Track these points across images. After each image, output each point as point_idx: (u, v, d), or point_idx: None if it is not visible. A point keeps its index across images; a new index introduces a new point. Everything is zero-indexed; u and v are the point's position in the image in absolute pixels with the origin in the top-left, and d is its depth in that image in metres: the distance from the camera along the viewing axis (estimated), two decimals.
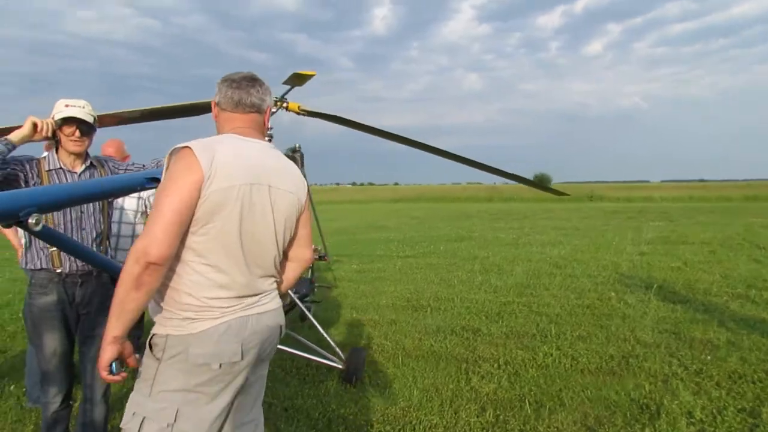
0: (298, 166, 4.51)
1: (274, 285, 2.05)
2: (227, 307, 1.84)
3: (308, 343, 4.57)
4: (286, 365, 4.61)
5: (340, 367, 4.29)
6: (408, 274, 9.29)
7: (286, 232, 2.01)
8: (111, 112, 3.96)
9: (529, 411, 3.72)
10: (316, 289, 6.15)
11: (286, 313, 4.64)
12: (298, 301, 4.89)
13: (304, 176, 5.30)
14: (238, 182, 1.81)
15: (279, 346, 4.42)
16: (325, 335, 4.41)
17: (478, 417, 3.63)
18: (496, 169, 5.55)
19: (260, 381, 2.10)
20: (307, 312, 4.87)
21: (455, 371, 4.46)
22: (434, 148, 5.33)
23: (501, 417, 3.64)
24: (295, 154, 4.71)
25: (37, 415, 3.59)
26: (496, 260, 10.59)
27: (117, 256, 4.41)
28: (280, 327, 2.06)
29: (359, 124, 5.04)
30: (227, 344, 1.84)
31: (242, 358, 1.87)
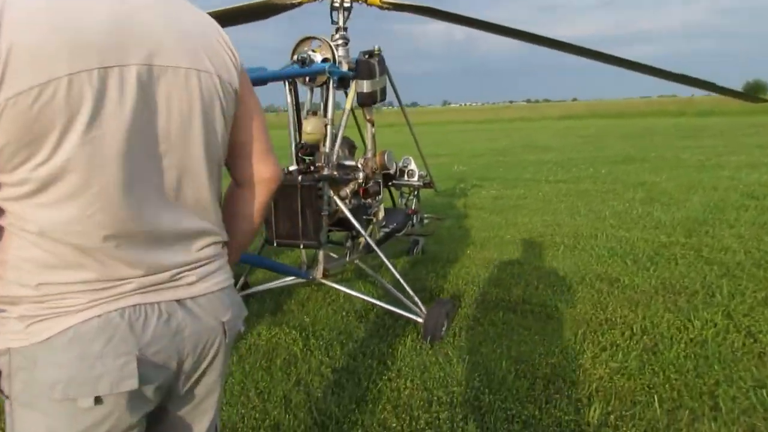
0: (374, 74, 3.63)
1: (210, 245, 1.23)
2: (102, 289, 1.06)
3: (387, 286, 3.87)
4: (359, 309, 3.99)
5: (420, 320, 3.53)
6: (551, 202, 7.98)
7: (210, 146, 1.18)
8: None
9: (658, 413, 2.61)
10: (424, 220, 5.36)
11: (371, 250, 4.05)
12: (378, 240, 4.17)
13: (394, 91, 4.44)
14: (68, 70, 0.95)
15: (349, 291, 3.85)
16: (401, 280, 3.65)
17: (576, 413, 2.64)
18: (689, 77, 4.17)
19: (206, 403, 1.28)
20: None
21: (567, 338, 3.42)
22: (607, 55, 4.05)
23: (612, 417, 2.60)
24: (371, 60, 3.82)
25: None
26: (668, 187, 8.64)
27: None
28: (223, 324, 1.23)
29: (469, 18, 3.92)
30: (104, 359, 1.04)
31: (143, 384, 1.07)
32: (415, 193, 5.20)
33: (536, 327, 3.63)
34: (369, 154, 3.90)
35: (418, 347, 3.40)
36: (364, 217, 4.13)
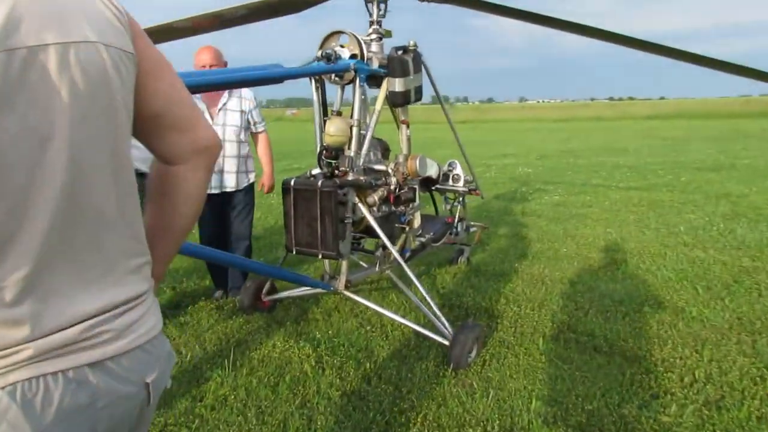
0: (408, 72, 3.32)
1: (134, 272, 0.99)
2: None
3: (417, 302, 3.55)
4: (387, 323, 3.69)
5: (446, 343, 3.20)
6: (619, 212, 7.32)
7: (118, 134, 0.94)
8: (210, 12, 3.28)
9: None
10: (470, 228, 4.98)
11: (406, 260, 3.74)
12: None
13: (434, 89, 4.10)
14: None
15: (371, 305, 3.56)
16: (428, 298, 3.32)
17: None
18: None
19: None
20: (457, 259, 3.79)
21: (613, 378, 2.97)
22: (682, 52, 3.56)
23: None
24: (404, 56, 3.50)
25: None
26: (757, 200, 7.71)
27: (224, 179, 3.95)
28: (148, 386, 0.99)
29: (515, 10, 3.51)
30: None
31: None
32: (461, 199, 4.83)
33: (578, 361, 3.19)
34: (401, 159, 3.59)
35: (440, 374, 3.07)
36: (397, 225, 3.83)
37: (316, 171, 3.46)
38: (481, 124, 40.09)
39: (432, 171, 4.54)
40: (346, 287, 3.48)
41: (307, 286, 3.56)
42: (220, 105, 3.91)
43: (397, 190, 3.63)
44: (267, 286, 3.96)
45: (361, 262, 4.13)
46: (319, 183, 3.19)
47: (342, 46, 3.36)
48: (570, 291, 4.36)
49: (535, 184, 10.02)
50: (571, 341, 3.46)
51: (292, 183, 3.32)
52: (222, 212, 4.08)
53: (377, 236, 3.69)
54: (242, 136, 3.96)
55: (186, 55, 3.83)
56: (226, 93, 3.91)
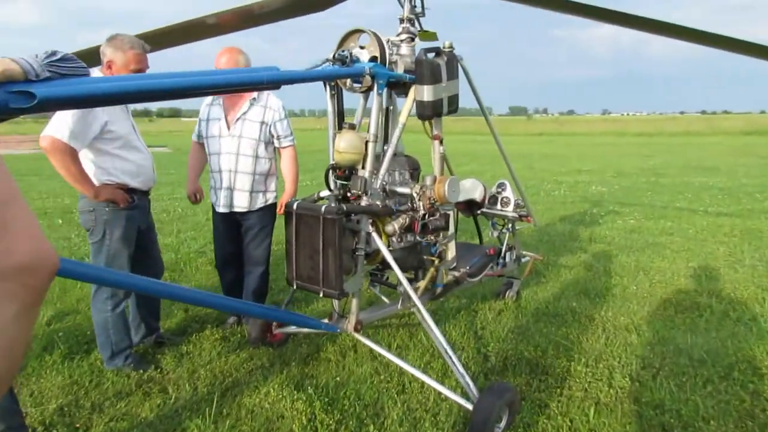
0: (439, 78, 2.80)
1: None
2: None
3: (443, 348, 2.97)
4: (405, 374, 3.13)
5: (469, 408, 2.61)
6: (705, 242, 6.34)
7: None
8: (238, 6, 2.94)
9: None
10: (521, 258, 4.34)
11: (438, 296, 3.07)
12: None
13: (476, 99, 3.51)
14: None
15: (384, 352, 3.01)
16: (449, 352, 2.74)
17: None
18: None
19: None
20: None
21: None
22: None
23: None
24: (435, 60, 2.96)
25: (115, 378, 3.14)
26: None
27: (234, 197, 3.57)
28: None
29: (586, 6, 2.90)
30: None
31: None
32: (510, 225, 4.20)
33: None
34: (428, 181, 3.03)
35: None
36: (426, 257, 3.29)
37: (324, 193, 2.99)
38: (558, 137, 38.39)
39: (475, 193, 3.97)
40: (357, 329, 2.97)
41: (308, 327, 3.08)
42: (239, 113, 3.53)
43: (425, 217, 3.09)
44: None
45: (384, 297, 3.60)
46: (323, 209, 2.71)
47: (362, 47, 2.88)
48: (637, 343, 3.61)
49: (609, 205, 9.07)
50: (632, 415, 2.76)
51: (295, 207, 2.86)
52: (238, 233, 3.71)
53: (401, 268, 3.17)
54: (260, 151, 3.55)
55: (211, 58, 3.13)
56: (247, 100, 3.53)
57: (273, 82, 2.34)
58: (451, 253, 3.48)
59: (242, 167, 3.54)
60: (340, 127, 2.96)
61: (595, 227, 7.28)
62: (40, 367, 3.28)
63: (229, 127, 3.52)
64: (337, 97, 2.96)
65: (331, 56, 2.72)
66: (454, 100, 3.04)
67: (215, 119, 3.55)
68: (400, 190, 3.04)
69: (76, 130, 2.77)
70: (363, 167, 2.84)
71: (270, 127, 3.56)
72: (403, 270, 3.28)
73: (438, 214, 3.20)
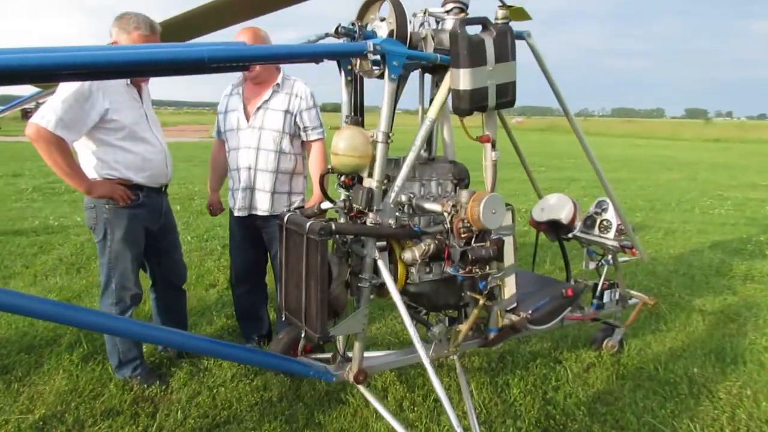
0: (482, 59, 2.09)
1: None
2: None
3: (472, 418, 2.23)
4: None
5: None
6: None
7: None
8: None
9: None
10: (628, 299, 3.35)
11: (490, 343, 2.64)
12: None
13: (554, 91, 2.61)
14: None
15: (391, 420, 2.29)
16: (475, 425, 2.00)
17: None
18: None
19: None
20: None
21: None
22: None
23: None
24: (480, 35, 2.19)
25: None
26: None
27: (254, 198, 3.14)
28: None
29: None
30: None
31: None
32: (609, 257, 3.24)
33: None
34: (463, 197, 2.27)
35: None
36: (470, 294, 2.54)
37: (325, 205, 2.40)
38: (739, 144, 33.05)
39: (561, 213, 3.10)
40: (359, 380, 2.33)
41: (292, 372, 2.50)
42: (259, 102, 3.06)
43: (464, 243, 2.34)
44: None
45: (416, 339, 2.88)
46: (307, 225, 2.11)
47: (382, 20, 2.22)
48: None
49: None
50: None
51: (285, 219, 2.30)
52: (257, 239, 3.24)
53: (429, 305, 2.49)
54: (285, 145, 3.05)
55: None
56: (270, 87, 3.06)
57: (228, 60, 1.80)
58: (508, 290, 2.67)
59: (263, 164, 3.06)
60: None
61: (757, 261, 5.70)
62: (55, 366, 3.14)
63: (248, 118, 3.06)
64: (354, 84, 2.33)
65: (333, 30, 2.11)
66: (506, 89, 2.24)
67: (233, 110, 3.11)
68: (429, 206, 2.33)
69: (67, 119, 2.50)
70: (369, 175, 2.19)
71: (295, 117, 3.05)
72: (434, 309, 2.58)
73: (486, 240, 2.43)
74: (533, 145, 23.24)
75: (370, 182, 2.18)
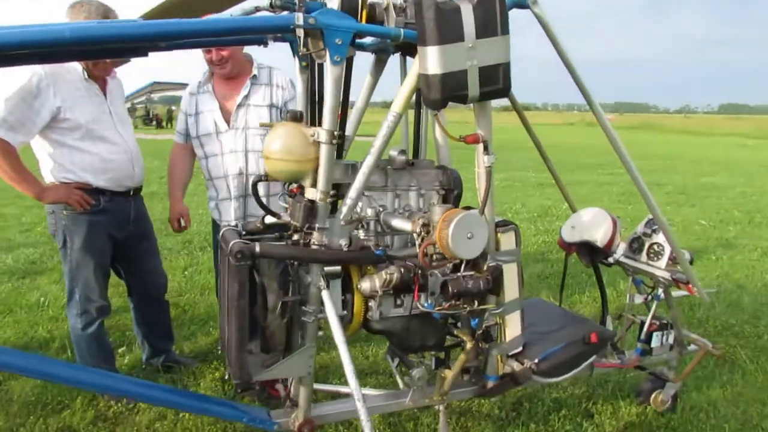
0: (457, 33, 1.62)
1: None
2: None
3: None
4: None
5: None
6: None
7: None
8: None
9: None
10: (682, 346, 2.68)
11: (489, 393, 2.17)
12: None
13: (572, 76, 1.98)
14: None
15: None
16: None
17: None
18: None
19: None
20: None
21: None
22: None
23: None
24: (453, 1, 1.66)
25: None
26: None
27: (248, 206, 2.79)
28: None
29: None
30: None
31: None
32: (659, 291, 2.58)
33: None
34: (436, 213, 1.75)
35: None
36: (458, 333, 2.05)
37: (269, 221, 1.97)
38: None
39: (597, 232, 2.51)
40: (303, 429, 1.89)
41: (223, 418, 2.08)
42: (238, 99, 2.70)
43: (453, 269, 1.85)
44: None
45: (399, 380, 2.38)
46: (230, 244, 1.70)
47: None
48: None
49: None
50: None
51: (221, 235, 1.92)
52: None
53: (394, 345, 2.02)
54: None
55: None
56: (246, 81, 2.70)
57: (129, 37, 1.42)
58: (511, 330, 2.13)
59: (254, 167, 2.70)
60: (311, 116, 1.90)
61: None
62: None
63: (227, 120, 2.70)
64: (312, 70, 1.89)
65: (268, 2, 1.68)
66: (494, 73, 1.69)
67: (206, 111, 2.73)
68: (397, 223, 1.85)
69: (12, 119, 2.27)
70: (313, 184, 1.74)
71: (281, 110, 2.68)
72: (409, 350, 2.10)
73: (480, 268, 1.91)
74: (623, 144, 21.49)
75: (313, 193, 1.73)
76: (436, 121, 1.85)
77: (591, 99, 2.07)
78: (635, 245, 2.60)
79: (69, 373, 1.79)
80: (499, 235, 2.02)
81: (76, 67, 2.45)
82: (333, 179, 1.75)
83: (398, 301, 1.94)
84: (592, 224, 2.52)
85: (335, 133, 1.67)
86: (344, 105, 1.82)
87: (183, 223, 2.98)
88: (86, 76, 2.48)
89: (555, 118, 70.82)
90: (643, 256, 2.56)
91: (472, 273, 1.92)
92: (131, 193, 2.66)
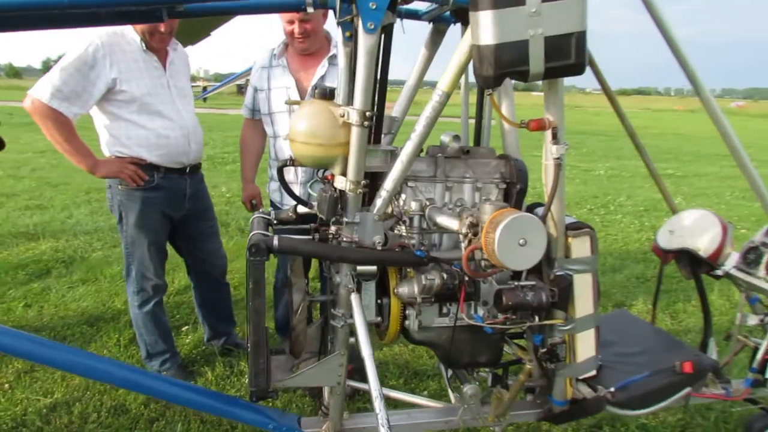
0: None
1: None
2: None
3: None
4: None
5: None
6: None
7: None
8: None
9: None
10: None
11: (558, 419, 1.92)
12: None
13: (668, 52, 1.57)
14: None
15: None
16: None
17: None
18: None
19: None
20: None
21: None
22: None
23: None
24: None
25: None
26: None
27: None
28: None
29: None
30: None
31: None
32: None
33: None
34: (485, 213, 1.47)
35: None
36: (517, 349, 1.78)
37: (305, 209, 1.79)
38: None
39: (700, 239, 2.10)
40: None
41: (248, 423, 1.92)
42: (314, 78, 2.54)
43: (514, 276, 1.59)
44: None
45: (451, 392, 2.12)
46: (251, 234, 1.54)
47: None
48: None
49: None
50: None
51: (252, 218, 1.78)
52: None
53: (440, 359, 1.78)
54: None
55: None
56: (324, 59, 2.55)
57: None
58: (582, 351, 1.81)
59: None
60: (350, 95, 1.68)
61: None
62: (103, 345, 3.09)
63: (303, 98, 2.54)
64: (355, 43, 1.67)
65: None
66: (565, 45, 1.37)
67: (281, 87, 2.59)
68: (442, 220, 1.60)
69: (67, 90, 2.26)
70: (342, 172, 1.53)
71: None
72: (457, 366, 1.85)
73: (547, 277, 1.63)
74: (751, 135, 19.20)
75: (342, 182, 1.52)
76: (491, 102, 1.55)
77: (697, 80, 1.67)
78: (751, 256, 2.13)
79: (96, 363, 1.74)
80: (569, 239, 1.70)
81: (134, 38, 2.42)
82: (368, 167, 1.54)
83: (444, 309, 1.70)
84: (695, 229, 2.10)
85: (367, 113, 1.44)
86: (382, 81, 1.58)
87: (255, 203, 2.92)
88: (144, 48, 2.44)
89: (677, 103, 65.01)
90: (761, 270, 2.09)
91: (533, 283, 1.63)
92: (187, 170, 2.61)
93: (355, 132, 1.47)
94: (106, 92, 2.34)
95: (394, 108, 1.82)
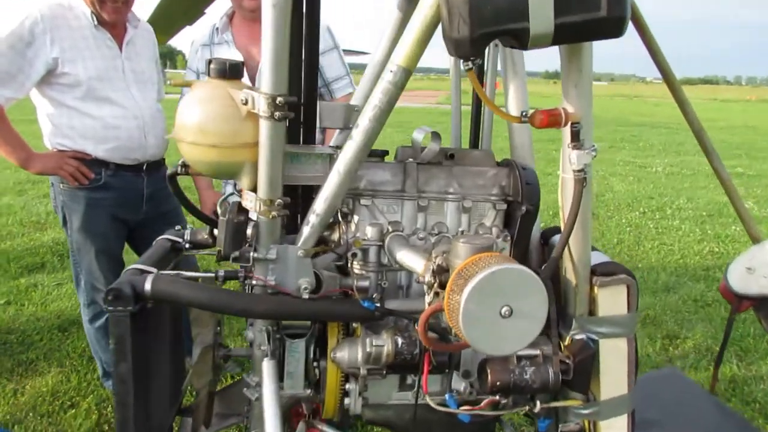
0: None
1: None
2: None
3: None
4: None
5: None
6: None
7: None
8: None
9: None
10: None
11: None
12: None
13: None
14: None
15: None
16: None
17: None
18: None
19: None
20: None
21: None
22: None
23: None
24: None
25: None
26: None
27: None
28: None
29: None
30: None
31: None
32: None
33: None
34: (458, 253, 0.96)
35: None
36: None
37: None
38: None
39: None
40: None
41: None
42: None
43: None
44: None
45: None
46: (123, 271, 1.09)
47: None
48: None
49: None
50: None
51: (157, 241, 1.34)
52: None
53: None
54: None
55: None
56: None
57: None
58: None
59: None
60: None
61: None
62: (64, 355, 2.77)
63: (252, 79, 2.09)
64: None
65: None
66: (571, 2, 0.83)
67: None
68: (402, 257, 1.09)
69: None
70: (251, 186, 1.05)
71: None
72: None
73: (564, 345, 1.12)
74: None
75: (251, 200, 1.04)
76: (471, 80, 1.01)
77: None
78: None
79: None
80: (596, 288, 1.16)
81: (84, 11, 2.01)
82: (291, 178, 1.05)
83: (408, 380, 1.21)
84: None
85: (279, 99, 0.95)
86: (311, 56, 1.09)
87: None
88: (96, 23, 2.03)
89: (749, 93, 60.89)
90: None
91: (536, 353, 1.12)
92: (144, 167, 2.19)
93: (264, 127, 0.98)
94: (46, 74, 1.96)
95: (355, 93, 1.33)
